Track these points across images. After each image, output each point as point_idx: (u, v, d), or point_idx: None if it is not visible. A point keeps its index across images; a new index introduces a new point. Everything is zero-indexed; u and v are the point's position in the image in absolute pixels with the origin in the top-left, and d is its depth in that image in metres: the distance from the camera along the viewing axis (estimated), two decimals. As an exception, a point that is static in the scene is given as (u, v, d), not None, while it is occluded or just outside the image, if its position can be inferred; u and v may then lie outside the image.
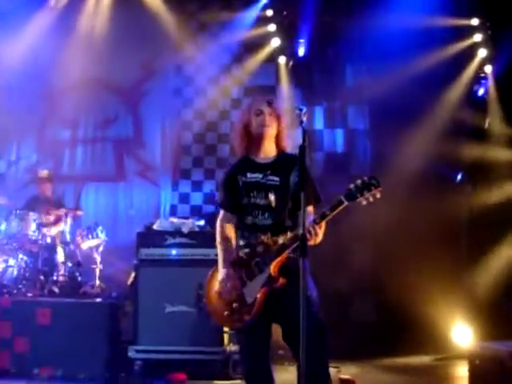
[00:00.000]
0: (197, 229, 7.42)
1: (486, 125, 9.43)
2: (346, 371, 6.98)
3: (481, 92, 9.62)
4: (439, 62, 9.20)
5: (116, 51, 9.80)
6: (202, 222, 7.79)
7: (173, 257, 7.23)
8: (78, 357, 7.03)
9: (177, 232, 7.29)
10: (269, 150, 4.35)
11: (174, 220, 7.53)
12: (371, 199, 3.90)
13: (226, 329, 7.03)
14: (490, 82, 9.52)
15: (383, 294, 8.78)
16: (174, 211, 9.88)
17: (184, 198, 10.02)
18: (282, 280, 4.04)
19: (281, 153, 4.38)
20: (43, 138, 10.49)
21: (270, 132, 4.30)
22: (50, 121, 10.49)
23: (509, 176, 9.12)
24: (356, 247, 8.63)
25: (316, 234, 3.97)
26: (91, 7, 10.07)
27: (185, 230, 7.26)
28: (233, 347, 7.14)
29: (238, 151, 4.45)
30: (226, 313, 4.15)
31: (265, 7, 9.88)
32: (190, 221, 7.54)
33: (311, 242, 3.96)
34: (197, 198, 10.01)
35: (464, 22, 9.47)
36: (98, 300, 7.72)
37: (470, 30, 9.50)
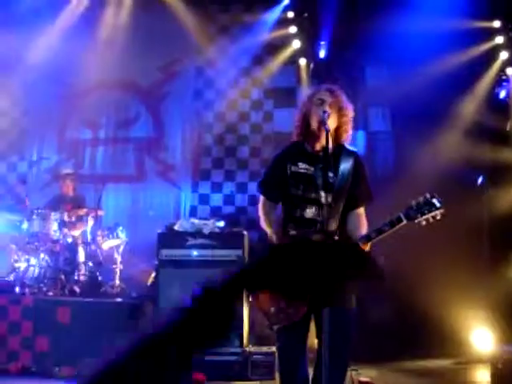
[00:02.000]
0: (217, 230, 7.44)
1: (508, 127, 9.36)
2: (365, 374, 6.95)
3: (502, 94, 9.56)
4: (461, 65, 9.15)
5: (137, 53, 9.85)
6: (222, 223, 7.79)
7: (193, 258, 7.25)
8: (98, 356, 7.05)
9: (198, 233, 7.31)
10: (325, 139, 4.02)
11: (195, 221, 7.55)
12: (431, 221, 3.79)
13: (245, 330, 7.06)
14: (512, 85, 9.46)
15: (403, 297, 8.73)
16: (194, 212, 9.91)
17: (204, 199, 10.05)
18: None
19: (339, 146, 4.19)
20: (64, 139, 10.57)
21: (330, 125, 4.05)
22: (71, 121, 10.58)
23: (530, 179, 9.06)
24: (376, 248, 8.60)
25: None
26: (113, 9, 10.12)
27: (206, 230, 7.29)
28: (252, 348, 7.17)
29: (294, 135, 4.30)
30: (272, 309, 4.06)
31: (286, 9, 9.89)
32: (211, 221, 7.56)
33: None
34: (217, 199, 10.03)
35: (485, 24, 9.42)
36: (118, 300, 7.77)
37: (491, 33, 9.45)
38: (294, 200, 4.15)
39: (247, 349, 7.08)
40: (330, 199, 4.00)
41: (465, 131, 9.16)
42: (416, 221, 3.79)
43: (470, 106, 9.35)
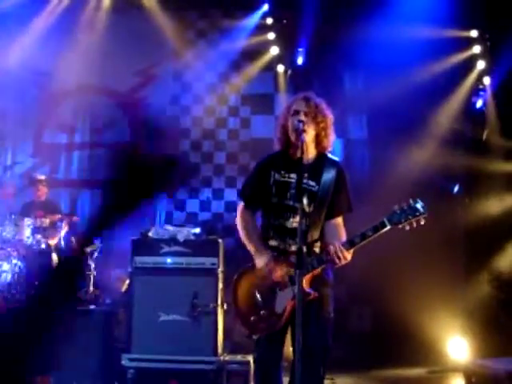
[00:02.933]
0: (192, 237, 7.37)
1: (484, 137, 9.41)
2: (341, 382, 6.94)
3: (479, 104, 9.61)
4: (438, 73, 9.19)
5: (114, 57, 9.76)
6: (197, 230, 7.73)
7: (168, 265, 7.16)
8: (71, 364, 6.98)
9: (172, 240, 7.23)
10: (308, 150, 4.12)
11: (170, 228, 7.47)
12: (414, 225, 3.79)
13: (220, 338, 7.01)
14: (488, 94, 9.50)
15: (379, 305, 8.75)
16: (169, 218, 9.84)
17: (180, 205, 9.98)
18: (313, 294, 3.94)
19: (321, 154, 4.21)
20: (40, 143, 10.44)
21: (307, 136, 4.07)
22: (47, 125, 10.46)
23: (506, 188, 9.10)
24: (352, 257, 8.59)
25: (344, 258, 3.88)
26: (90, 13, 10.03)
27: (180, 238, 7.21)
28: (227, 357, 7.11)
29: (276, 145, 4.30)
30: (252, 318, 4.07)
31: (264, 15, 9.87)
32: (186, 229, 7.49)
33: (341, 264, 3.90)
34: (193, 206, 9.96)
35: (463, 33, 9.47)
36: (92, 307, 7.66)
37: (468, 42, 9.50)
38: (275, 209, 4.16)
39: (222, 357, 7.01)
40: (311, 208, 4.04)
41: (441, 140, 9.21)
42: (400, 225, 3.81)
43: (446, 115, 9.40)
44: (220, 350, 7.03)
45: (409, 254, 8.50)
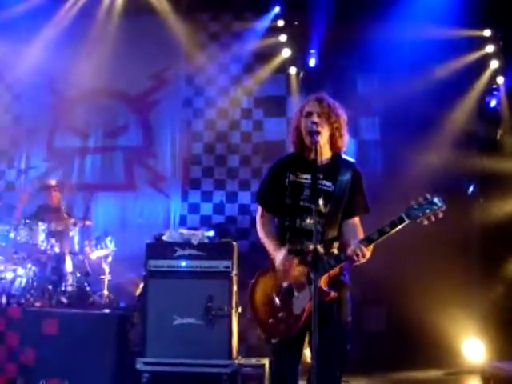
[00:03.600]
0: (206, 240, 7.37)
1: (498, 136, 9.36)
2: (356, 383, 6.92)
3: (493, 103, 9.56)
4: (451, 73, 9.16)
5: (126, 61, 9.82)
6: (211, 233, 7.74)
7: (182, 268, 7.16)
8: (85, 368, 6.97)
9: (186, 243, 7.23)
10: (323, 151, 4.04)
11: (184, 231, 7.47)
12: (433, 219, 3.75)
13: (234, 341, 7.00)
14: (502, 94, 9.45)
15: (395, 306, 8.71)
16: (183, 221, 9.86)
17: (194, 209, 9.99)
18: (333, 294, 3.90)
19: (336, 155, 4.19)
20: (53, 147, 10.49)
21: (321, 137, 4.03)
22: (60, 130, 10.50)
23: (520, 188, 9.05)
24: (368, 258, 8.55)
25: (363, 256, 3.82)
26: (102, 17, 10.06)
27: (194, 241, 7.20)
28: (241, 360, 7.10)
29: (291, 148, 4.28)
30: (270, 320, 4.03)
31: (276, 18, 9.88)
32: (200, 232, 7.49)
33: (360, 262, 3.84)
34: (206, 209, 9.97)
35: (476, 32, 9.44)
36: (106, 311, 7.68)
37: (482, 41, 9.46)
38: (291, 210, 4.12)
39: (236, 361, 7.00)
40: (328, 209, 4.01)
41: (455, 140, 9.16)
42: (418, 220, 3.76)
43: (460, 115, 9.35)
44: (235, 353, 7.02)
45: (424, 255, 8.47)
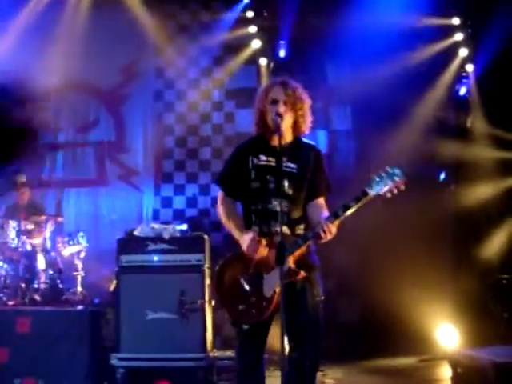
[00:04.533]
0: (178, 234, 7.33)
1: (468, 124, 9.42)
2: (331, 374, 6.94)
3: (462, 91, 9.62)
4: (421, 62, 9.19)
5: (96, 55, 9.73)
6: (184, 226, 7.70)
7: (154, 263, 7.12)
8: (60, 366, 6.93)
9: (158, 238, 7.19)
10: (286, 135, 4.10)
11: (155, 226, 7.43)
12: (395, 191, 3.74)
13: (208, 335, 6.99)
14: (472, 81, 9.51)
15: (368, 295, 8.73)
16: (156, 216, 9.82)
17: (166, 202, 9.95)
18: (302, 273, 3.90)
19: (298, 139, 4.22)
20: (23, 144, 10.37)
21: (285, 124, 4.07)
22: (30, 126, 10.39)
23: (492, 174, 9.11)
24: (340, 248, 8.57)
25: (330, 232, 3.82)
26: (70, 11, 9.95)
27: (166, 235, 7.17)
28: (216, 353, 7.10)
29: (254, 130, 4.27)
30: (241, 307, 4.01)
31: (245, 8, 9.84)
32: (171, 226, 7.45)
33: (327, 239, 3.84)
34: (179, 202, 9.94)
35: (445, 21, 9.46)
36: (80, 307, 7.62)
37: (450, 30, 9.49)
38: (256, 194, 4.12)
39: (211, 354, 7.00)
40: (292, 190, 4.04)
41: (426, 128, 9.21)
42: (381, 193, 3.74)
43: (430, 103, 9.40)
44: (209, 346, 7.01)
45: (396, 244, 8.52)
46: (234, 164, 4.24)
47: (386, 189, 3.75)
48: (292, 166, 4.07)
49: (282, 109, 4.07)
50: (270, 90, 4.18)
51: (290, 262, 3.87)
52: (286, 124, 4.10)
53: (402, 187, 3.74)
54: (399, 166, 3.76)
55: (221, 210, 4.26)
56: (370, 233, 8.54)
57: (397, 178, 3.74)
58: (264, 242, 3.98)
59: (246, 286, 4.03)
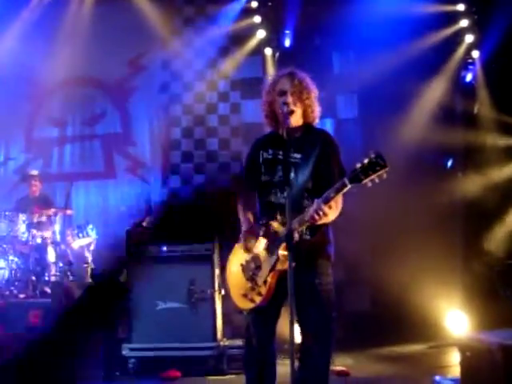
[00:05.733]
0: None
1: (475, 110, 9.39)
2: (340, 362, 6.95)
3: (469, 78, 9.58)
4: (426, 49, 9.15)
5: (102, 48, 9.74)
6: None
7: (163, 253, 7.18)
8: (72, 357, 6.99)
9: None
10: (295, 126, 4.18)
11: (164, 216, 7.48)
12: (377, 180, 3.69)
13: (218, 324, 7.03)
14: (478, 68, 9.47)
15: (377, 283, 8.75)
16: (164, 207, 9.83)
17: (174, 193, 9.97)
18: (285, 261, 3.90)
19: (307, 127, 4.26)
20: (31, 138, 10.46)
21: (295, 113, 4.15)
22: (38, 120, 10.47)
23: (499, 161, 9.09)
24: (348, 236, 8.59)
25: (325, 215, 3.84)
26: (76, 4, 9.97)
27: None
28: (226, 342, 7.14)
29: (266, 124, 4.37)
30: (241, 292, 4.14)
31: (249, -1, 9.81)
32: (180, 216, 7.50)
33: (323, 221, 3.90)
34: (187, 193, 9.95)
35: (450, 7, 9.42)
36: (90, 299, 7.67)
37: (456, 16, 9.45)
38: (265, 187, 4.22)
39: (221, 343, 7.04)
40: (297, 181, 4.07)
41: (433, 115, 9.19)
42: (362, 182, 3.68)
43: (437, 90, 9.37)
44: (219, 335, 7.05)
45: (405, 231, 8.53)
46: (249, 159, 4.40)
47: (367, 178, 3.67)
48: (297, 156, 4.11)
49: (289, 99, 4.13)
50: (278, 82, 4.25)
51: (280, 252, 3.94)
52: (296, 117, 4.16)
53: (385, 176, 3.66)
54: (380, 155, 3.66)
55: (238, 203, 4.39)
56: (378, 221, 8.56)
57: (378, 168, 3.65)
58: (261, 232, 4.10)
59: (244, 274, 4.15)
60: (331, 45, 9.69)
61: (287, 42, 9.77)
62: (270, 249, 4.01)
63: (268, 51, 9.88)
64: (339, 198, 3.98)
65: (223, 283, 7.11)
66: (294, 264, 3.70)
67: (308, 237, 4.05)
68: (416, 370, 6.85)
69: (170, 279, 7.03)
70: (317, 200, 3.88)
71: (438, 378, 6.04)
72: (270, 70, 9.78)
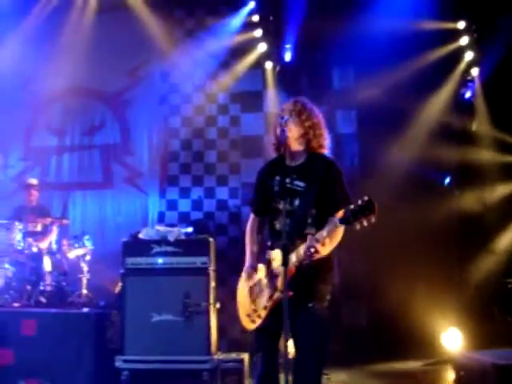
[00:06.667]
0: (183, 237, 7.37)
1: (473, 127, 9.41)
2: (336, 378, 6.95)
3: (468, 95, 9.62)
4: (426, 66, 9.18)
5: (102, 59, 9.77)
6: (190, 229, 7.74)
7: (159, 265, 7.17)
8: (65, 368, 6.97)
9: (163, 240, 7.23)
10: (297, 152, 4.25)
11: (160, 228, 7.46)
12: (365, 224, 3.78)
13: (213, 337, 7.01)
14: (477, 85, 9.51)
15: (374, 300, 8.75)
16: (162, 218, 9.82)
17: (172, 205, 9.97)
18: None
19: (311, 154, 4.28)
20: (30, 146, 10.46)
21: (290, 134, 4.18)
22: (37, 129, 10.47)
23: (497, 178, 9.11)
24: (345, 252, 8.57)
25: (317, 252, 3.93)
26: (77, 15, 10.00)
27: (171, 238, 7.20)
28: (221, 356, 7.11)
29: (272, 152, 4.45)
30: (246, 313, 4.34)
31: (251, 13, 9.84)
32: (176, 229, 7.48)
33: (317, 256, 3.97)
34: (185, 205, 9.95)
35: (450, 25, 9.46)
36: (85, 310, 7.65)
37: (456, 33, 9.49)
38: (272, 213, 4.30)
39: (216, 356, 7.01)
40: (301, 209, 4.13)
41: (431, 132, 9.21)
42: (352, 224, 3.80)
43: (435, 107, 9.40)
44: (214, 348, 7.03)
45: (402, 248, 8.53)
46: (256, 188, 4.51)
47: (356, 222, 3.77)
48: (301, 184, 4.16)
49: (286, 114, 4.23)
50: (282, 109, 4.37)
51: (277, 281, 4.08)
52: (292, 134, 4.21)
53: (373, 220, 3.75)
54: (370, 200, 3.74)
55: (246, 230, 4.54)
56: (375, 237, 8.52)
57: (367, 212, 3.73)
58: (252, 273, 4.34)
59: (250, 296, 4.34)
60: (331, 60, 9.71)
61: (288, 57, 9.80)
62: (269, 277, 4.16)
63: (268, 65, 9.90)
64: (335, 234, 4.05)
65: (219, 297, 7.12)
66: (290, 293, 3.80)
67: (307, 261, 4.05)
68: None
69: (165, 291, 7.01)
70: (310, 237, 3.96)
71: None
72: (271, 83, 9.81)
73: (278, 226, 4.24)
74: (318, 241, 3.93)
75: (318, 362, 4.13)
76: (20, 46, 9.66)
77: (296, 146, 4.23)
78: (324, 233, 3.93)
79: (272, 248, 4.23)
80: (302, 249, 3.98)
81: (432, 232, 8.73)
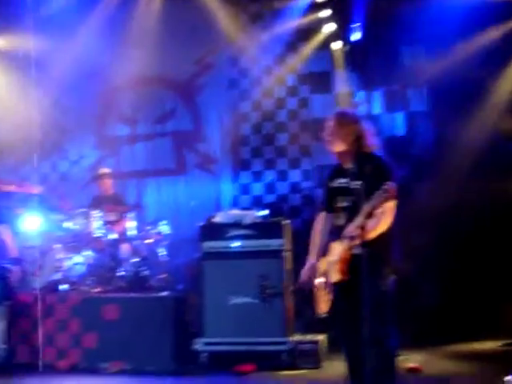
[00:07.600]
0: (258, 220, 7.44)
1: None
2: (413, 359, 6.89)
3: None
4: (498, 39, 8.95)
5: (170, 47, 9.85)
6: (266, 212, 7.80)
7: (235, 249, 7.28)
8: (146, 350, 7.15)
9: (238, 224, 7.32)
10: (349, 156, 4.62)
11: (236, 212, 7.55)
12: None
13: (290, 319, 7.06)
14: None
15: (448, 278, 8.63)
16: (235, 202, 9.89)
17: (245, 189, 10.03)
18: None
19: (360, 157, 4.57)
20: (103, 136, 10.67)
21: (338, 149, 4.65)
22: (109, 119, 10.67)
23: None
24: (419, 230, 8.48)
25: (358, 237, 4.31)
26: (144, 4, 10.10)
27: (246, 221, 7.28)
28: (297, 337, 7.15)
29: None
30: (320, 296, 4.70)
31: (317, -7, 9.74)
32: (252, 212, 7.56)
33: (364, 238, 4.30)
34: (257, 189, 10.00)
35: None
36: (164, 293, 7.80)
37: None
38: (335, 212, 4.71)
39: (294, 338, 7.07)
40: (356, 205, 4.42)
41: (505, 105, 8.99)
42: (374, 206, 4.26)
43: (509, 79, 9.15)
44: (291, 330, 7.08)
45: (477, 224, 8.43)
46: (323, 187, 4.96)
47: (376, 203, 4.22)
48: (357, 183, 4.43)
49: (327, 138, 4.69)
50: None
51: (337, 269, 4.50)
52: (339, 149, 4.65)
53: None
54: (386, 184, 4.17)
55: (315, 222, 4.91)
56: (449, 214, 8.44)
57: (384, 194, 4.17)
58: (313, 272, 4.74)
59: (318, 283, 4.72)
60: (400, 37, 9.51)
61: (356, 36, 9.65)
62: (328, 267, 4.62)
63: (337, 45, 9.78)
64: (378, 215, 4.37)
65: (295, 278, 7.15)
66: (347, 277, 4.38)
67: (358, 252, 4.31)
68: (488, 368, 6.67)
69: (241, 274, 7.11)
70: (351, 224, 4.41)
71: (510, 378, 5.89)
72: (339, 63, 9.71)
73: (339, 222, 4.62)
74: (354, 226, 4.33)
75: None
76: (91, 37, 9.81)
77: (347, 154, 4.62)
78: (360, 218, 4.29)
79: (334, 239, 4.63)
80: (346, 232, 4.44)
81: (509, 207, 8.54)
